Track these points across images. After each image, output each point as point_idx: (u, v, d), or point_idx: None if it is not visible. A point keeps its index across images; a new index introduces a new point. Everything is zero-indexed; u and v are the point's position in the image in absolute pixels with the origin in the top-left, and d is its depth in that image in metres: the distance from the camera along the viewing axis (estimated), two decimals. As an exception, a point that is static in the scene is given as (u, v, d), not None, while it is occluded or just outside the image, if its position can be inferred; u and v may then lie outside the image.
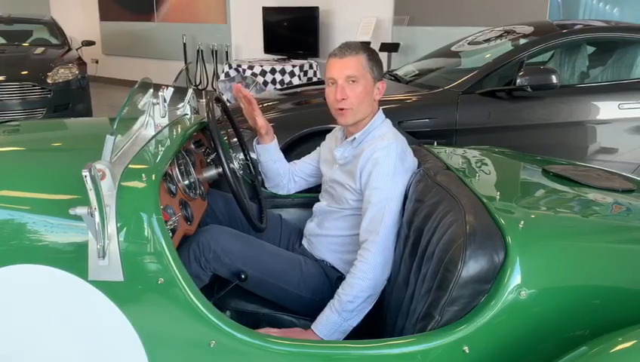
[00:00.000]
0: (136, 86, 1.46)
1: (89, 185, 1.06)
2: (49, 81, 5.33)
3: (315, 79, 6.30)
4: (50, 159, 1.52)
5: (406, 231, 1.44)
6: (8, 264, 1.18)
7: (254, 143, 1.89)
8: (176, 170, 1.55)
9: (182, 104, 1.94)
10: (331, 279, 1.64)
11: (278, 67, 6.02)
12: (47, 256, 1.18)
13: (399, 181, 1.52)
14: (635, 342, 1.02)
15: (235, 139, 2.06)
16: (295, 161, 1.98)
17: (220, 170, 1.76)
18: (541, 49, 3.15)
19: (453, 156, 1.80)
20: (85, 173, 1.05)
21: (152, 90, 1.58)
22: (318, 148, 1.92)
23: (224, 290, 1.54)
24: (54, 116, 5.31)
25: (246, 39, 7.44)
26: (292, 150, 2.76)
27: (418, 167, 1.62)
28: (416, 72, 3.59)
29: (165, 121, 1.65)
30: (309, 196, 2.00)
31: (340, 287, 1.45)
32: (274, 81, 6.01)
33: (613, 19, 4.69)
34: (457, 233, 1.17)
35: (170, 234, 1.25)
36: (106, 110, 6.83)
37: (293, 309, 1.61)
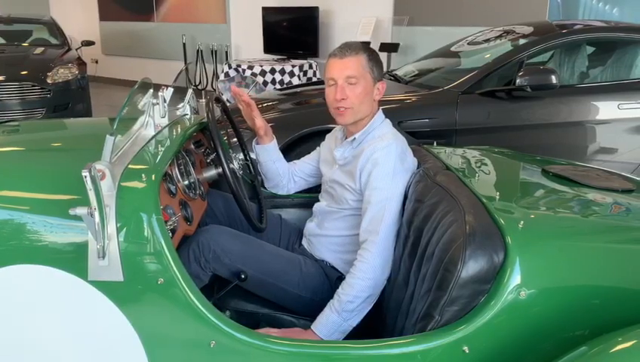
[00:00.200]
0: (136, 86, 1.46)
1: (89, 185, 1.06)
2: (49, 81, 5.33)
3: (314, 79, 6.30)
4: (50, 159, 1.52)
5: (406, 231, 1.45)
6: (8, 264, 1.18)
7: (253, 144, 1.89)
8: (176, 170, 1.55)
9: (182, 104, 1.94)
10: (331, 279, 1.64)
11: (277, 67, 6.02)
12: (46, 257, 1.18)
13: (399, 181, 1.53)
14: (634, 341, 1.02)
15: (235, 139, 2.06)
16: (295, 161, 1.98)
17: (220, 170, 1.76)
18: (541, 49, 3.15)
19: (453, 156, 1.80)
20: (85, 173, 1.05)
21: (151, 91, 1.58)
22: (317, 148, 1.92)
23: (224, 290, 1.54)
24: (54, 116, 5.31)
25: (246, 39, 7.44)
26: (292, 150, 2.76)
27: (418, 167, 1.62)
28: (416, 72, 3.59)
29: (165, 121, 1.65)
30: (309, 196, 2.00)
31: (340, 287, 1.45)
32: (274, 81, 6.01)
33: (612, 20, 4.70)
34: (457, 233, 1.18)
35: (170, 234, 1.25)
36: (105, 110, 6.83)
37: (292, 309, 1.61)
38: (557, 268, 1.15)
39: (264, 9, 6.73)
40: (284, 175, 1.92)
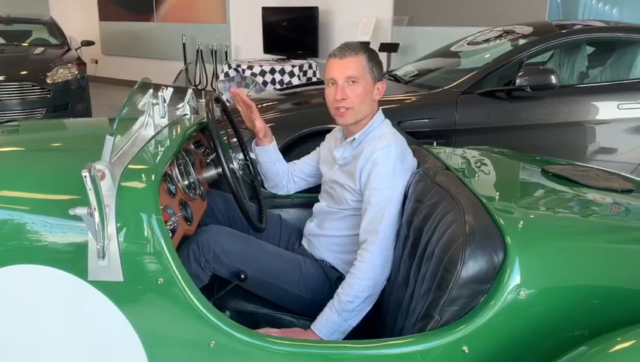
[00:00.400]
0: (136, 86, 1.47)
1: (89, 185, 1.06)
2: (48, 81, 5.33)
3: (314, 79, 6.30)
4: (50, 159, 1.52)
5: (405, 231, 1.45)
6: (8, 264, 1.18)
7: (253, 145, 1.89)
8: (176, 170, 1.55)
9: (181, 104, 1.94)
10: (331, 279, 1.64)
11: (277, 67, 6.02)
12: (46, 257, 1.18)
13: (399, 181, 1.53)
14: (633, 341, 1.02)
15: (235, 139, 2.06)
16: (294, 161, 1.98)
17: (220, 170, 1.76)
18: (540, 49, 3.15)
19: (453, 156, 1.80)
20: (85, 173, 1.05)
21: (151, 91, 1.58)
22: (317, 148, 1.93)
23: (224, 290, 1.54)
24: (54, 116, 5.31)
25: (245, 39, 7.44)
26: (291, 150, 2.76)
27: (418, 167, 1.62)
28: (416, 72, 3.59)
29: (165, 121, 1.65)
30: (309, 196, 2.00)
31: (340, 287, 1.45)
32: (273, 81, 6.01)
33: (612, 20, 4.70)
34: (457, 233, 1.18)
35: (170, 234, 1.25)
36: (105, 110, 6.83)
37: (292, 309, 1.61)
38: (556, 268, 1.15)
39: (264, 9, 6.73)
40: (283, 175, 1.92)
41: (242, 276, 1.50)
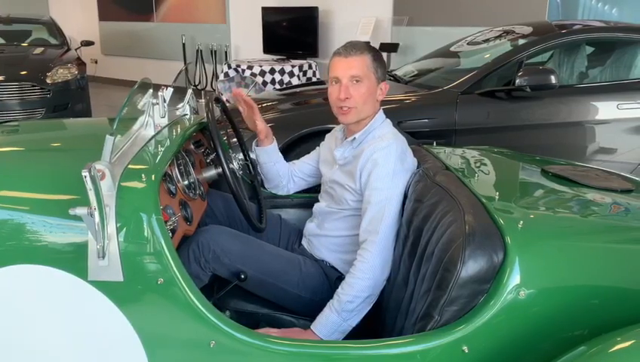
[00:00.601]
0: (136, 86, 1.47)
1: (89, 185, 1.06)
2: (48, 81, 5.33)
3: (314, 79, 6.30)
4: (50, 159, 1.52)
5: (405, 231, 1.45)
6: (8, 264, 1.18)
7: (253, 145, 1.89)
8: (176, 170, 1.55)
9: (181, 104, 1.94)
10: (331, 279, 1.64)
11: (277, 67, 6.02)
12: (46, 257, 1.18)
13: (399, 181, 1.53)
14: (633, 341, 1.02)
15: (235, 139, 2.06)
16: (294, 161, 1.98)
17: (220, 170, 1.76)
18: (540, 49, 3.15)
19: (453, 156, 1.80)
20: (85, 173, 1.05)
21: (151, 91, 1.58)
22: (317, 148, 1.93)
23: (224, 290, 1.54)
24: (53, 116, 5.31)
25: (245, 39, 7.44)
26: (291, 150, 2.76)
27: (418, 167, 1.62)
28: (416, 72, 3.59)
29: (165, 121, 1.65)
30: (309, 196, 2.00)
31: (340, 287, 1.45)
32: (273, 82, 6.01)
33: (612, 20, 4.70)
34: (456, 233, 1.18)
35: (170, 234, 1.25)
36: (105, 110, 6.83)
37: (292, 309, 1.61)
38: (556, 268, 1.15)
39: (264, 9, 6.72)
40: (283, 176, 1.92)
41: (242, 276, 1.50)
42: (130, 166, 1.25)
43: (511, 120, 2.97)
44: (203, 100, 2.23)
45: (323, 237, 1.71)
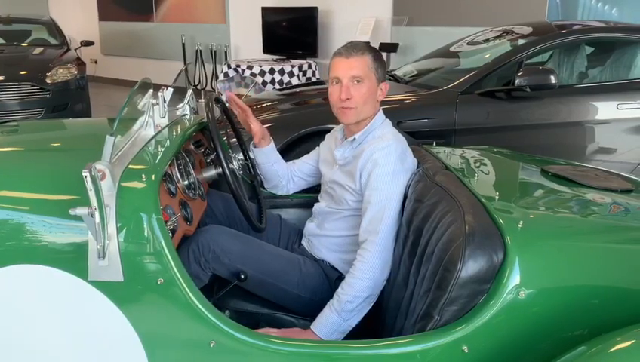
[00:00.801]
0: (136, 86, 1.47)
1: (89, 185, 1.06)
2: (48, 81, 5.32)
3: (314, 79, 6.30)
4: (50, 159, 1.52)
5: (405, 231, 1.45)
6: (8, 264, 1.18)
7: (251, 147, 1.89)
8: (176, 170, 1.55)
9: (181, 104, 1.94)
10: (331, 279, 1.64)
11: (277, 67, 6.03)
12: (46, 257, 1.18)
13: (399, 181, 1.53)
14: (633, 341, 1.02)
15: (235, 139, 2.06)
16: (294, 161, 1.98)
17: (220, 170, 1.76)
18: (540, 49, 3.15)
19: (452, 156, 1.80)
20: (85, 173, 1.05)
21: (151, 91, 1.58)
22: (317, 148, 1.93)
23: (224, 290, 1.55)
24: (53, 116, 5.31)
25: (245, 39, 7.44)
26: (291, 150, 2.76)
27: (417, 167, 1.62)
28: (415, 72, 3.59)
29: (165, 121, 1.65)
30: (309, 196, 2.00)
31: (340, 287, 1.45)
32: (273, 82, 6.01)
33: (611, 20, 4.70)
34: (456, 233, 1.18)
35: (170, 234, 1.25)
36: (104, 110, 6.83)
37: (292, 309, 1.61)
38: (556, 268, 1.16)
39: (263, 9, 6.73)
40: (283, 176, 1.92)
41: (242, 276, 1.50)
42: (130, 166, 1.25)
43: (511, 120, 2.97)
44: (203, 100, 2.23)
45: (323, 237, 1.71)
